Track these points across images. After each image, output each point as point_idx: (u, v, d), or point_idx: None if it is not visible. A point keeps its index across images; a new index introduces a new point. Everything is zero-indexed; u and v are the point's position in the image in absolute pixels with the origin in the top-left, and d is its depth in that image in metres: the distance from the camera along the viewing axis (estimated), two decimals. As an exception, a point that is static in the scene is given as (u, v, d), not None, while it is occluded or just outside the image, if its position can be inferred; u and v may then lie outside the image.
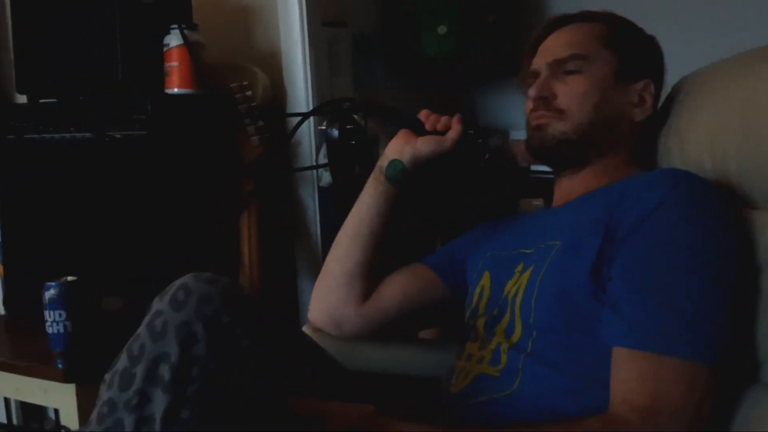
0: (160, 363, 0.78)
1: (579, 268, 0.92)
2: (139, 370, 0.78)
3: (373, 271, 1.17)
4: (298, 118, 1.73)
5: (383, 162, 1.16)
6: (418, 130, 1.15)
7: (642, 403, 0.83)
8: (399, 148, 1.14)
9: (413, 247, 1.34)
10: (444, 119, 1.14)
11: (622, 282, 0.88)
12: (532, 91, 1.07)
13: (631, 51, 1.08)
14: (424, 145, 1.13)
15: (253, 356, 0.83)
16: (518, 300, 0.98)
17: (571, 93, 1.05)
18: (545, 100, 1.06)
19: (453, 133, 1.11)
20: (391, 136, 1.19)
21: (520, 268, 1.01)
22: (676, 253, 0.88)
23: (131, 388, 0.77)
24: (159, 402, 0.76)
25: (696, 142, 1.02)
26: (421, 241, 1.55)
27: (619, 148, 1.06)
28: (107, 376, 0.80)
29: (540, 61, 1.09)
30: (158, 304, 0.82)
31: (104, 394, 0.79)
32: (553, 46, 1.09)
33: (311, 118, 1.73)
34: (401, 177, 1.14)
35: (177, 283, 0.83)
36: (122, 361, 0.80)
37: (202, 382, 0.78)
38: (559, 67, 1.07)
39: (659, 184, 0.93)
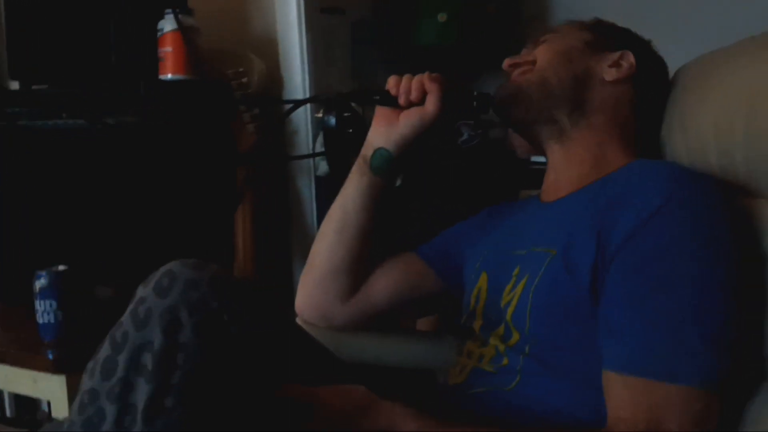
0: (143, 351, 0.76)
1: (575, 285, 0.87)
2: (122, 359, 0.76)
3: (360, 264, 1.11)
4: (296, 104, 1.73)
5: (367, 150, 1.08)
6: (395, 104, 1.04)
7: (639, 429, 0.78)
8: (383, 134, 1.06)
9: (406, 234, 1.31)
10: (415, 85, 1.03)
11: (613, 300, 0.84)
12: (506, 62, 1.06)
13: (608, 30, 1.06)
14: (405, 125, 1.04)
15: (242, 343, 0.81)
16: (510, 310, 0.94)
17: (541, 50, 1.04)
18: (518, 63, 1.05)
19: (432, 98, 1.02)
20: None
21: (516, 272, 0.97)
22: (670, 268, 0.82)
23: (114, 377, 0.76)
24: (142, 391, 0.75)
25: (700, 131, 0.99)
26: (415, 228, 1.53)
27: (591, 111, 1.00)
28: (89, 365, 0.79)
29: None
30: (142, 290, 0.80)
31: (86, 383, 0.78)
32: None
33: (307, 106, 1.71)
34: (387, 167, 1.06)
35: (162, 269, 0.81)
36: (105, 350, 0.78)
37: (187, 369, 0.76)
38: (535, 45, 1.06)
39: (652, 189, 0.86)
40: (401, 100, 1.04)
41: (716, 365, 0.80)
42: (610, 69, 1.01)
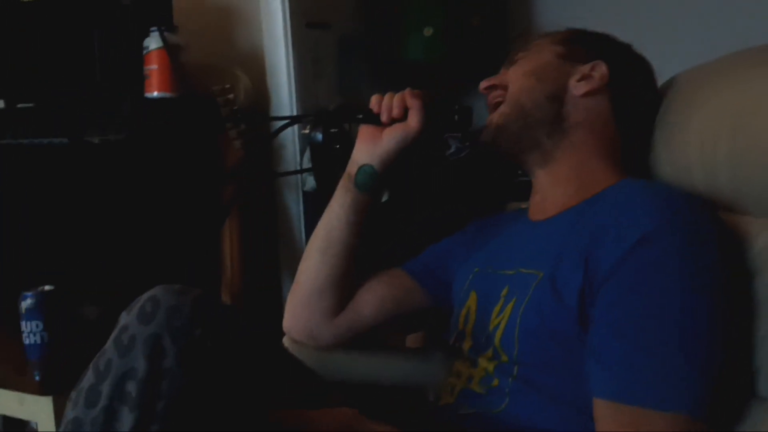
0: (127, 379, 0.75)
1: (562, 310, 0.87)
2: (105, 387, 0.76)
3: (345, 282, 1.11)
4: (281, 122, 1.72)
5: (352, 168, 1.08)
6: (378, 122, 1.06)
7: None
8: (367, 151, 1.06)
9: (392, 248, 1.30)
10: (396, 101, 1.04)
11: (601, 328, 0.83)
12: (481, 85, 1.06)
13: (582, 40, 1.05)
14: (388, 140, 1.05)
15: (226, 369, 0.81)
16: (498, 334, 0.94)
17: (512, 72, 1.04)
18: (493, 87, 1.05)
19: (414, 114, 1.02)
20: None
21: (504, 292, 0.96)
22: (658, 295, 0.81)
23: (97, 406, 0.75)
24: (126, 419, 0.74)
25: (685, 149, 0.98)
26: (401, 243, 1.52)
27: (570, 128, 0.99)
28: (73, 394, 0.78)
29: None
30: (125, 317, 0.80)
31: (69, 412, 0.77)
32: None
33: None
34: (372, 183, 1.07)
35: (145, 295, 0.80)
36: (88, 378, 0.78)
37: (171, 396, 0.75)
38: (512, 64, 1.06)
39: (639, 215, 0.85)
40: (383, 118, 1.05)
41: (704, 392, 0.79)
42: (578, 83, 1.00)
